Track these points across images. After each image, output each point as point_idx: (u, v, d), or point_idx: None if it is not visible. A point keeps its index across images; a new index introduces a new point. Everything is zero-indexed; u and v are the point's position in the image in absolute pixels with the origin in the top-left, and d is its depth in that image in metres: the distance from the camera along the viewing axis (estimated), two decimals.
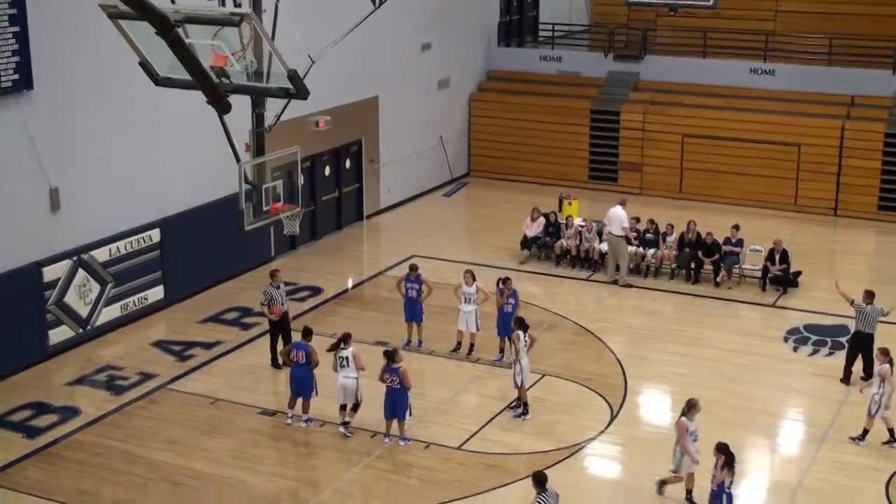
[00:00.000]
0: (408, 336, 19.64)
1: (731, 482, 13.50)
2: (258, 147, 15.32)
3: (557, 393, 17.95)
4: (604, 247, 23.48)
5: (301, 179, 16.65)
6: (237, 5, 14.52)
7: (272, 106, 15.26)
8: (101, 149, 19.70)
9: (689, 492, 14.58)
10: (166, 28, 11.51)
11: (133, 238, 20.49)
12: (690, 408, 14.37)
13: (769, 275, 22.55)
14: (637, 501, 14.93)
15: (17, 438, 16.46)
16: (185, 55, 11.96)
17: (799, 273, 22.78)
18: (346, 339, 16.39)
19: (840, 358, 18.84)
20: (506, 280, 19.05)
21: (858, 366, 18.19)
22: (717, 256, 22.92)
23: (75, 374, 18.67)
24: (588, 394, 17.98)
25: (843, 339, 19.55)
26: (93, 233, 19.68)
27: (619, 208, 22.93)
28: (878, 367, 16.16)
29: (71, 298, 19.30)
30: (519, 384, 16.97)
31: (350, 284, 23.37)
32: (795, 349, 19.89)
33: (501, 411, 17.25)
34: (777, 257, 22.46)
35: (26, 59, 17.99)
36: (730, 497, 13.48)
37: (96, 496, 14.88)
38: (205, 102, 12.82)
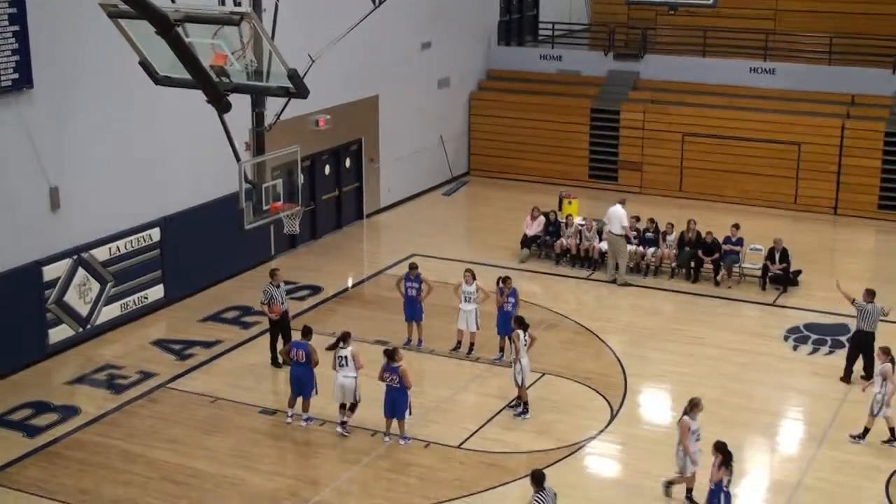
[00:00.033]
0: (408, 335, 19.64)
1: (729, 481, 13.48)
2: (258, 146, 15.34)
3: (557, 392, 17.95)
4: (604, 246, 23.48)
5: (301, 178, 16.68)
6: (237, 4, 14.53)
7: (272, 105, 15.28)
8: (101, 148, 19.71)
9: (689, 490, 14.57)
10: (166, 27, 11.51)
11: (133, 237, 20.49)
12: (693, 407, 14.35)
13: (769, 274, 22.55)
14: (637, 500, 14.92)
15: (17, 437, 16.46)
16: (185, 54, 11.96)
17: (799, 272, 22.79)
18: (344, 338, 16.38)
19: (840, 357, 18.84)
20: (506, 279, 19.05)
21: (858, 365, 18.19)
22: (717, 255, 22.91)
23: (75, 373, 18.67)
24: (588, 393, 17.98)
25: (843, 338, 19.57)
26: (93, 232, 19.68)
27: (618, 207, 22.93)
28: (880, 366, 16.14)
29: (71, 297, 19.30)
30: (519, 383, 16.97)
31: (350, 283, 23.38)
32: (795, 348, 19.89)
33: (501, 410, 17.25)
34: (777, 256, 22.46)
35: (26, 57, 17.99)
36: (728, 496, 13.46)
37: (96, 495, 14.87)
38: (205, 101, 12.83)
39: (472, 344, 19.26)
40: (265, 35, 12.66)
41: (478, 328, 19.14)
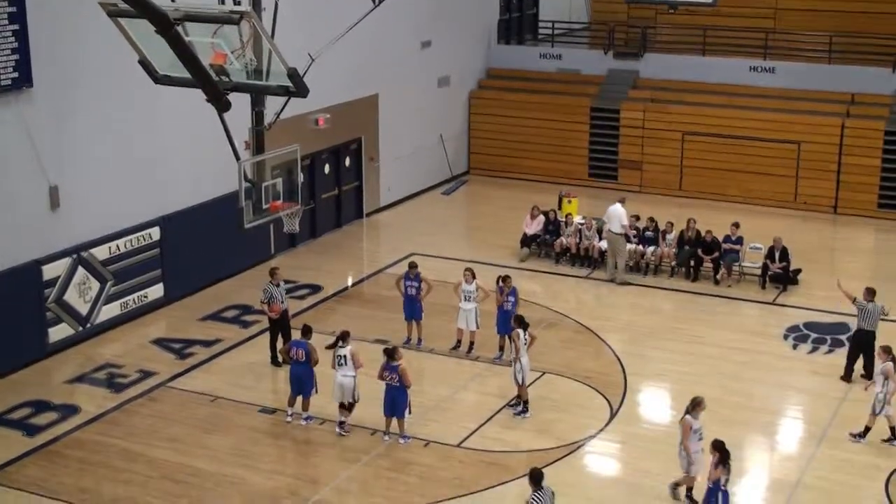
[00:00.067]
0: (407, 334, 19.64)
1: (727, 480, 13.46)
2: (258, 145, 15.35)
3: (557, 391, 17.95)
4: (603, 244, 23.48)
5: (301, 177, 16.68)
6: (237, 3, 14.53)
7: (272, 104, 15.28)
8: (101, 147, 19.70)
9: (689, 489, 14.57)
10: (166, 26, 11.51)
11: (133, 236, 20.48)
12: (695, 406, 14.33)
13: (769, 272, 22.55)
14: (636, 499, 14.91)
15: (17, 436, 16.46)
16: (185, 53, 11.96)
17: (799, 271, 22.79)
18: (344, 337, 16.38)
19: (840, 355, 18.85)
20: (505, 278, 19.05)
21: (859, 364, 18.19)
22: (716, 254, 22.91)
23: (75, 371, 18.67)
24: (588, 392, 17.98)
25: (843, 337, 19.58)
26: (92, 231, 19.67)
27: (618, 206, 22.93)
28: (881, 365, 16.13)
29: (71, 296, 19.30)
30: (519, 382, 16.97)
31: (350, 282, 23.38)
32: (795, 347, 19.89)
33: (501, 409, 17.25)
34: (777, 255, 22.46)
35: (26, 56, 17.99)
36: (725, 495, 13.43)
37: (96, 494, 14.88)
38: (204, 100, 12.83)
39: (471, 343, 19.26)
40: (265, 34, 12.67)
41: (477, 327, 19.14)
